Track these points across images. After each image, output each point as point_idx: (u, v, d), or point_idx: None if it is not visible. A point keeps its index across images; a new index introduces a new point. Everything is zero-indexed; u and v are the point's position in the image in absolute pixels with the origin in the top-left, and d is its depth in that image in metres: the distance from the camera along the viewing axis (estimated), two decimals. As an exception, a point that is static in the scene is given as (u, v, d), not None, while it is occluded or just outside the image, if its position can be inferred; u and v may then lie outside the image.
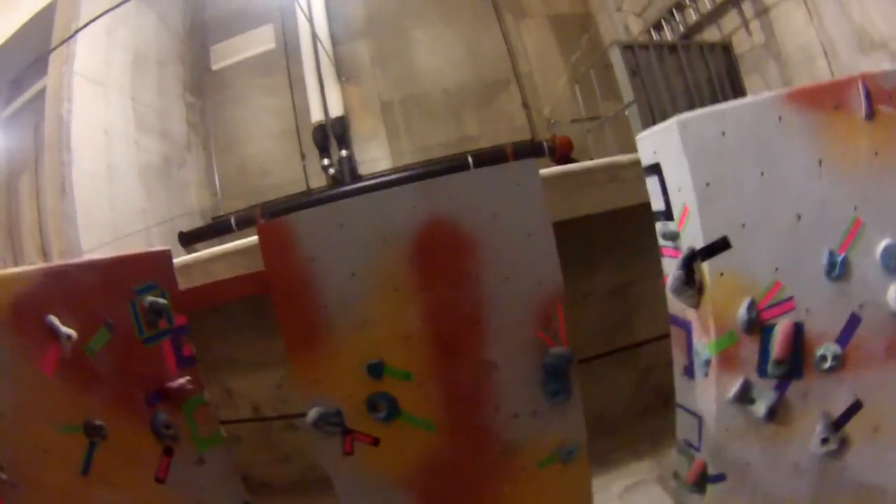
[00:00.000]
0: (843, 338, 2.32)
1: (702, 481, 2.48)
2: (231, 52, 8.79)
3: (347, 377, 2.51)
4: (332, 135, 8.30)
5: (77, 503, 2.30)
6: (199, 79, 8.77)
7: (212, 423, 2.57)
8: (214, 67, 8.82)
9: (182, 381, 2.47)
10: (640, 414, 4.13)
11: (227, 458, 2.62)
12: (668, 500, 3.16)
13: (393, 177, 7.76)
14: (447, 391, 2.57)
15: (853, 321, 2.31)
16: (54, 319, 2.24)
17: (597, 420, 2.95)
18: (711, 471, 2.44)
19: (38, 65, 8.06)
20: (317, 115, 8.31)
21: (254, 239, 2.77)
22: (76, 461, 2.29)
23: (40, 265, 2.32)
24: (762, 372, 2.34)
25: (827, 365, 2.31)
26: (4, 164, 10.91)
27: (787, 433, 2.36)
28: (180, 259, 3.08)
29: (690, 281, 2.36)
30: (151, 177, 7.58)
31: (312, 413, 2.48)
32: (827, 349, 2.31)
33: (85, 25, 6.52)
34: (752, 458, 2.39)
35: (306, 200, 7.34)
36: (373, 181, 7.72)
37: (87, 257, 2.48)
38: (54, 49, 6.89)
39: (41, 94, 10.42)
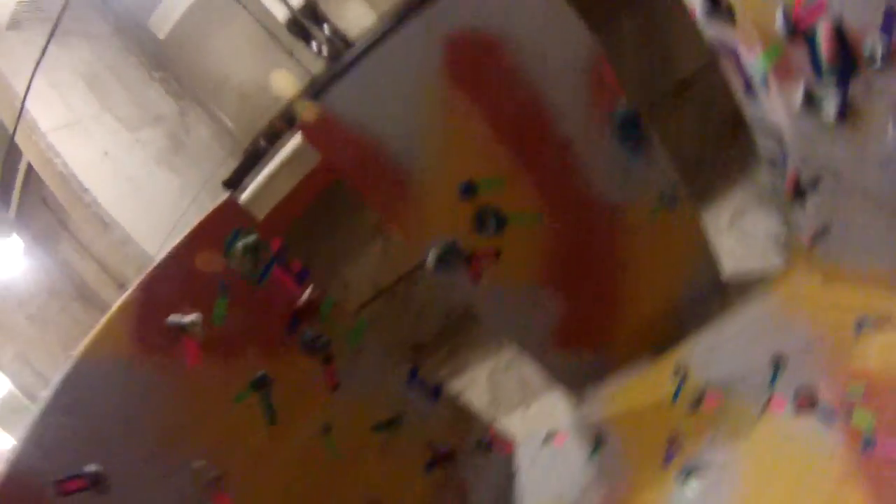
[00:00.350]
0: (886, 29, 2.19)
1: (799, 192, 2.46)
2: (168, 16, 8.46)
3: (446, 210, 2.58)
4: (306, 21, 8.04)
5: (281, 452, 2.46)
6: (156, 53, 8.54)
7: (350, 315, 2.69)
8: (162, 36, 8.55)
9: (307, 293, 2.55)
10: (717, 144, 4.09)
11: (378, 338, 2.77)
12: (775, 217, 3.18)
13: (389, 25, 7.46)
14: (539, 180, 2.63)
15: (890, 12, 2.18)
16: (174, 317, 2.29)
17: (680, 162, 2.95)
18: (804, 180, 2.42)
19: (11, 154, 8.12)
20: (281, 14, 8.06)
21: (293, 144, 2.77)
22: (261, 419, 2.43)
23: (133, 284, 2.34)
24: (819, 76, 2.23)
25: (878, 58, 2.17)
26: (40, 252, 11.32)
27: (863, 130, 2.26)
28: (242, 199, 3.13)
29: (718, 5, 2.27)
30: (169, 157, 7.63)
31: (431, 256, 2.57)
32: (874, 42, 2.17)
33: (26, 94, 6.39)
34: (839, 160, 2.33)
35: (320, 83, 7.18)
36: (370, 36, 7.46)
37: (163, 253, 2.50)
38: (15, 133, 6.85)
39: (29, 171, 10.66)
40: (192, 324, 2.29)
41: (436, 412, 2.93)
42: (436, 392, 2.92)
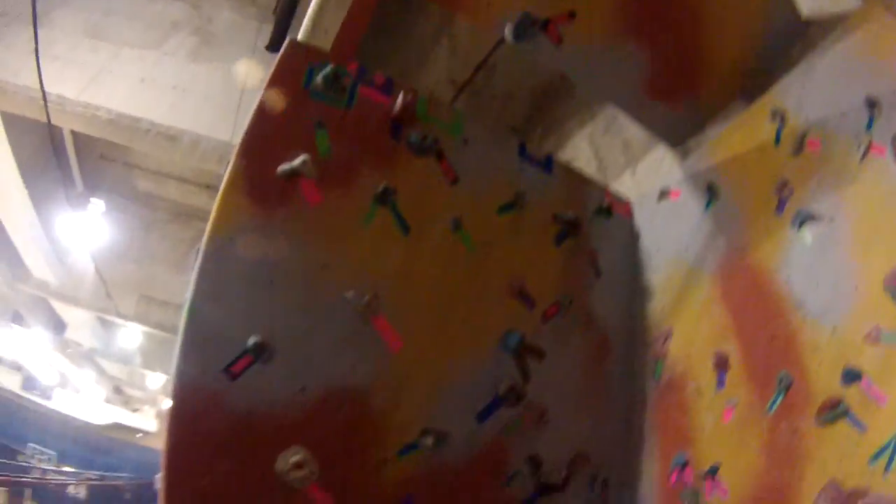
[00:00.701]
0: None
1: None
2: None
3: None
4: None
5: (421, 259, 2.56)
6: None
7: (446, 108, 2.69)
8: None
9: (399, 100, 2.54)
10: None
11: (478, 127, 2.78)
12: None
13: None
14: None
15: None
16: (283, 166, 2.31)
17: None
18: None
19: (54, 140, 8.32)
20: None
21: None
22: (395, 232, 2.50)
23: (232, 156, 2.32)
24: None
25: None
26: (121, 201, 11.80)
27: None
28: (301, 37, 3.05)
29: None
30: (203, 52, 7.67)
31: (507, 31, 2.53)
32: None
33: (42, 83, 6.40)
34: None
35: None
36: None
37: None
38: (49, 120, 7.00)
39: (77, 141, 10.89)
40: (302, 164, 2.32)
41: (552, 184, 2.96)
42: (547, 163, 2.94)
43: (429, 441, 2.43)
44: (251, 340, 2.17)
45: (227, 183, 2.26)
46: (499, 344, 2.65)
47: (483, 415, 2.57)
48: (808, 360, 2.21)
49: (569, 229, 2.93)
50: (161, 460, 2.10)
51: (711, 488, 2.49)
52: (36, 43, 5.76)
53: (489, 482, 2.61)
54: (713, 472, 2.49)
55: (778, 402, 2.28)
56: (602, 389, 2.99)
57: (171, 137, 6.81)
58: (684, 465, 2.64)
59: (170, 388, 2.14)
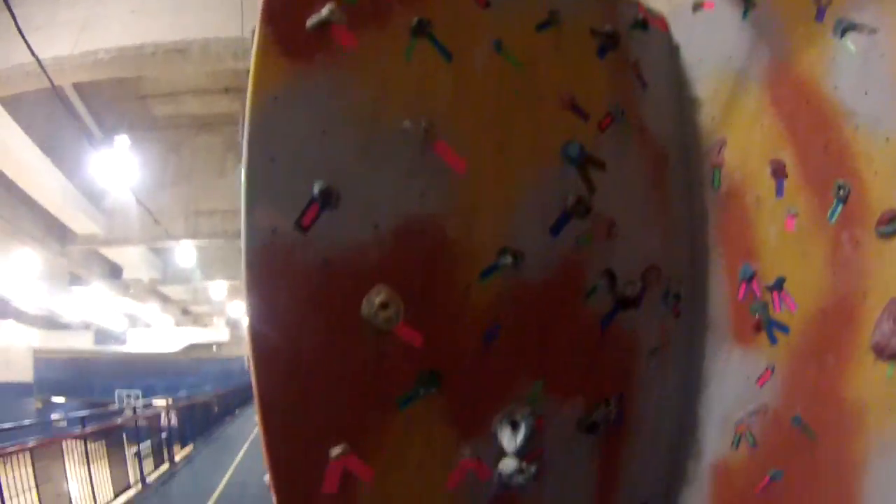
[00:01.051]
0: None
1: None
2: None
3: None
4: None
5: (470, 82, 2.54)
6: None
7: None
8: None
9: None
10: None
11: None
12: None
13: None
14: None
15: None
16: (311, 19, 2.25)
17: None
18: None
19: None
20: None
21: None
22: (438, 61, 2.46)
23: (257, 28, 2.26)
24: None
25: None
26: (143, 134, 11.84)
27: None
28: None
29: None
30: None
31: None
32: None
33: (37, 58, 6.29)
34: None
35: None
36: None
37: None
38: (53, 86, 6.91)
39: (83, 93, 10.96)
40: (330, 12, 2.26)
41: (584, 1, 2.88)
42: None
43: (508, 260, 2.47)
44: (316, 188, 2.18)
45: (258, 50, 2.23)
46: (560, 155, 2.65)
47: (555, 228, 2.61)
48: (863, 170, 2.17)
49: (608, 42, 2.85)
50: (247, 333, 2.15)
51: (779, 301, 2.52)
52: (13, 17, 5.65)
53: (570, 299, 2.69)
54: (779, 284, 2.52)
55: (838, 211, 2.26)
56: (666, 200, 3.00)
57: (179, 51, 6.74)
58: (751, 277, 2.66)
59: (243, 259, 2.16)
